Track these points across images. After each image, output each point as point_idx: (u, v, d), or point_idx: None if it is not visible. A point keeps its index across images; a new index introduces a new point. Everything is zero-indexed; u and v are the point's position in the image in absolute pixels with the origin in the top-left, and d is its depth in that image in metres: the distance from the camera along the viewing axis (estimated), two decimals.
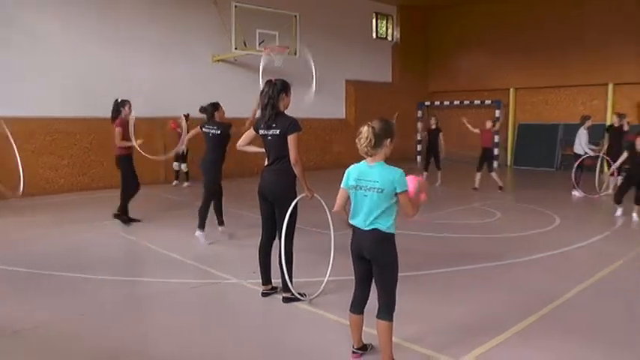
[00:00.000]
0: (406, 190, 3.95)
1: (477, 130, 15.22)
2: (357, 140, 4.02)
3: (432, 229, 9.78)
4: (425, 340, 4.86)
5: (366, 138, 3.97)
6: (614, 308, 5.91)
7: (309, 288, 6.08)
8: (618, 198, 11.35)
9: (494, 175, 15.05)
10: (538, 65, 22.29)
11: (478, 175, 15.15)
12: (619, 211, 11.36)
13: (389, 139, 4.04)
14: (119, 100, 10.05)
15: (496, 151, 20.72)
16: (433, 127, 16.52)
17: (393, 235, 4.07)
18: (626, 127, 14.19)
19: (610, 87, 20.92)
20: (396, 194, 3.97)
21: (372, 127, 3.98)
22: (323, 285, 5.99)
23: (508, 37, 22.93)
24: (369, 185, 4.00)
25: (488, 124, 15.19)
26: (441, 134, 16.32)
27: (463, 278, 6.89)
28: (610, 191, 13.85)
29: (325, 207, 5.83)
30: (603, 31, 20.46)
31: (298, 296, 5.76)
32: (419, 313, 5.54)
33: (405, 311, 4.91)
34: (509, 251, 8.22)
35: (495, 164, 16.08)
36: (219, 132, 8.56)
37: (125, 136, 9.72)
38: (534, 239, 9.23)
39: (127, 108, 9.94)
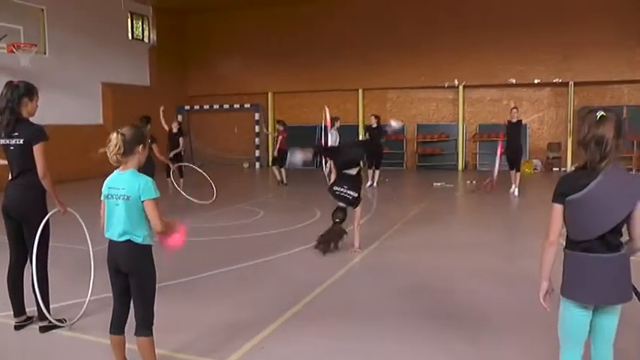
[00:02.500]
0: (152, 199, 3.84)
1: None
2: (106, 149, 3.87)
3: (194, 234, 9.52)
4: (191, 347, 4.86)
5: (115, 146, 3.84)
6: (369, 286, 6.68)
7: (70, 311, 5.54)
8: None
9: (283, 171, 16.42)
10: (295, 71, 23.10)
11: (282, 171, 16.52)
12: None
13: (141, 145, 3.96)
14: None
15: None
16: (175, 130, 14.80)
17: (149, 246, 3.97)
18: (375, 125, 15.79)
19: (360, 92, 22.71)
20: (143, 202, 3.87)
21: (122, 135, 3.87)
22: (84, 307, 5.47)
23: (265, 43, 23.33)
24: (119, 193, 3.87)
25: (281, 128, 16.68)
26: (181, 139, 14.83)
27: (228, 280, 6.95)
28: (375, 184, 15.70)
29: (81, 221, 5.48)
30: (351, 39, 22.04)
31: (57, 323, 5.22)
32: (184, 321, 5.42)
33: (170, 321, 4.98)
34: (273, 247, 8.47)
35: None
36: None
37: None
38: (297, 233, 9.56)
39: None
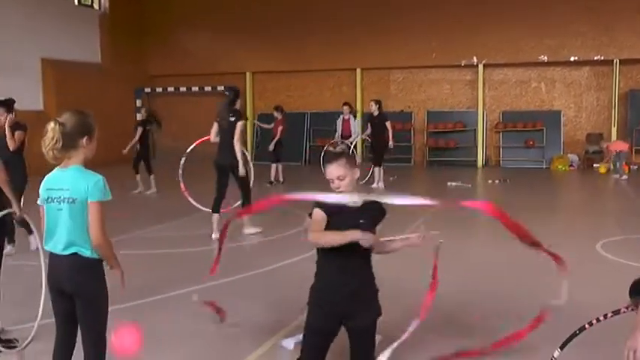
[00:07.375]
0: (99, 201, 3.74)
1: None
2: (42, 142, 3.74)
3: (160, 245, 9.59)
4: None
5: (52, 138, 3.71)
6: None
7: (18, 335, 5.49)
8: None
9: (279, 167, 16.81)
10: (279, 46, 22.90)
11: (279, 167, 16.86)
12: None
13: (86, 137, 3.84)
14: None
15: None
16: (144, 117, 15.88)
17: (99, 261, 3.84)
18: (376, 113, 15.80)
19: (358, 72, 22.53)
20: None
21: (61, 124, 3.74)
22: (34, 331, 5.36)
23: (243, 11, 23.05)
24: (62, 195, 3.76)
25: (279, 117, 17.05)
26: (139, 129, 15.28)
27: (220, 292, 6.67)
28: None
29: (34, 229, 5.51)
30: (346, 7, 21.79)
31: (7, 346, 5.27)
32: (173, 336, 5.52)
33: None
34: (264, 258, 8.49)
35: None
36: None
37: None
38: (287, 242, 9.52)
39: None
